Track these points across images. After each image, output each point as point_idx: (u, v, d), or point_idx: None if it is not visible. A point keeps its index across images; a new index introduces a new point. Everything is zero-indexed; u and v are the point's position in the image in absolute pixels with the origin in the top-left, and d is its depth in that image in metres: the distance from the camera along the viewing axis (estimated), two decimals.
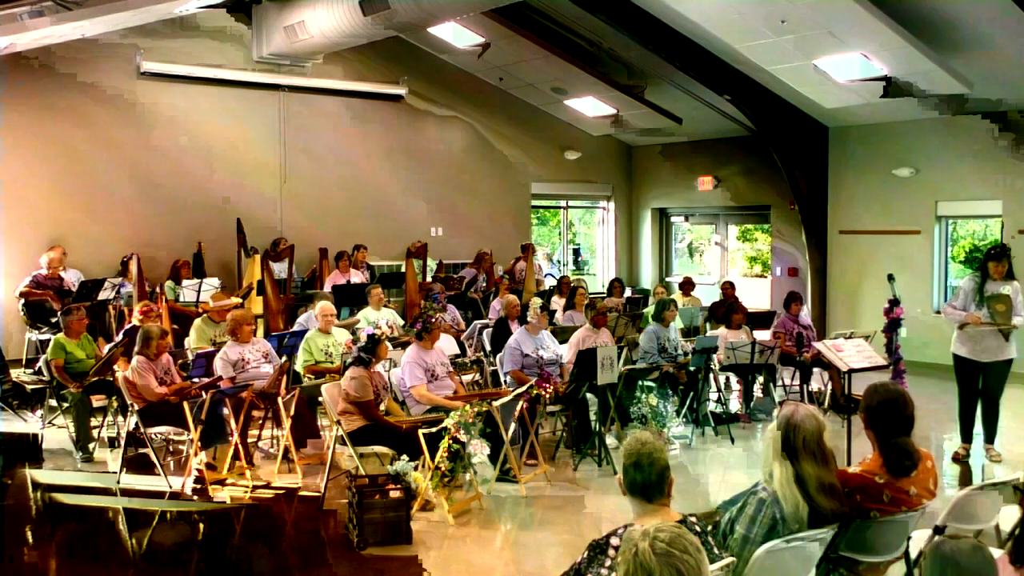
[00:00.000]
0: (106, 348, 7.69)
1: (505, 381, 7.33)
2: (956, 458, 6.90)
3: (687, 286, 11.23)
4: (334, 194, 12.72)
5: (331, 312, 7.87)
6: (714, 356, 8.16)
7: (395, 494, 5.17)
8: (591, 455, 6.85)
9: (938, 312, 11.22)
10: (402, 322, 9.15)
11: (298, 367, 7.49)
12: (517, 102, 14.36)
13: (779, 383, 8.97)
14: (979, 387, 6.80)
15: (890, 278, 7.99)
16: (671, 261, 16.10)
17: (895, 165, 11.58)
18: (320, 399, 6.32)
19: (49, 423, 7.68)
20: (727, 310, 8.89)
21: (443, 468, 5.50)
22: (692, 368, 7.80)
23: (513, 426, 6.14)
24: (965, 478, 6.59)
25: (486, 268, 12.41)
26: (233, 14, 11.77)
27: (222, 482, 6.26)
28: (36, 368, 8.16)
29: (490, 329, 8.82)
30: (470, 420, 5.57)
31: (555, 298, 10.64)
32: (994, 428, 6.90)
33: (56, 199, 10.77)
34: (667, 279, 15.19)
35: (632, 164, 15.97)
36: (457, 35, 12.36)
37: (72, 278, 9.99)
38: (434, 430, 5.60)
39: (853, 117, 11.70)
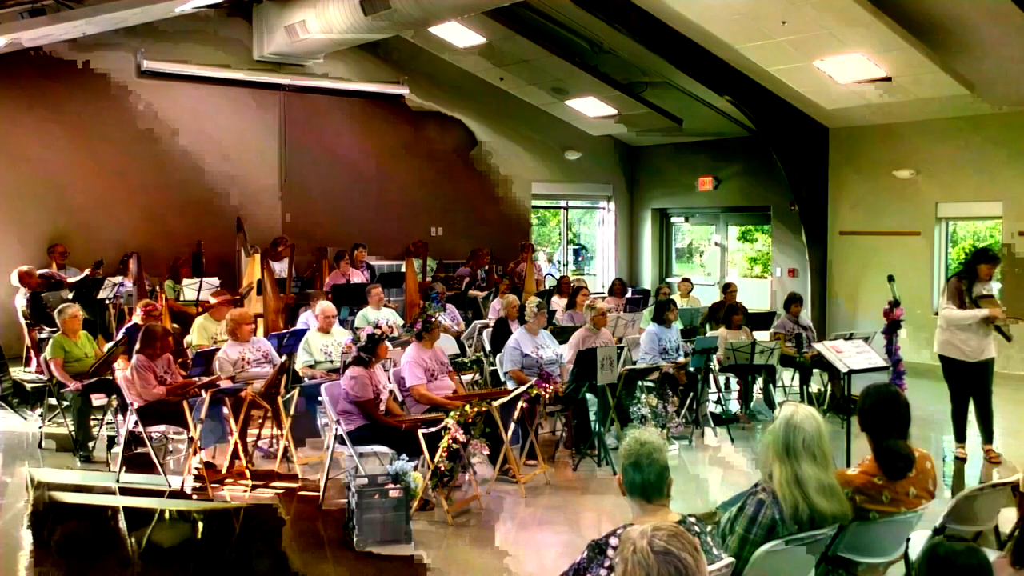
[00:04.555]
0: (106, 347, 7.68)
1: (505, 381, 7.33)
2: (961, 458, 6.91)
3: (685, 287, 11.22)
4: (334, 194, 12.72)
5: (332, 312, 7.87)
6: (714, 357, 8.17)
7: (395, 494, 5.17)
8: (591, 455, 6.85)
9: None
10: (402, 322, 9.15)
11: (298, 367, 7.48)
12: (517, 102, 14.37)
13: (779, 384, 8.97)
14: (968, 388, 6.82)
15: (890, 279, 7.99)
16: (671, 261, 16.10)
17: (895, 166, 11.58)
18: (320, 399, 6.32)
19: (49, 422, 7.68)
20: (727, 311, 8.89)
21: (443, 468, 5.50)
22: (692, 369, 7.80)
23: (513, 426, 6.14)
24: (964, 479, 6.59)
25: (482, 265, 12.40)
26: (234, 13, 11.78)
27: (221, 481, 6.26)
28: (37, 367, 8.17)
29: (490, 329, 8.81)
30: (470, 420, 5.57)
31: (555, 298, 10.63)
32: (991, 428, 6.91)
33: (57, 198, 10.78)
34: (667, 279, 15.19)
35: (632, 164, 15.97)
36: (457, 35, 12.37)
37: (72, 276, 10.00)
38: (434, 430, 5.60)
39: (853, 118, 11.71)
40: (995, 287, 6.71)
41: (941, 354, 6.84)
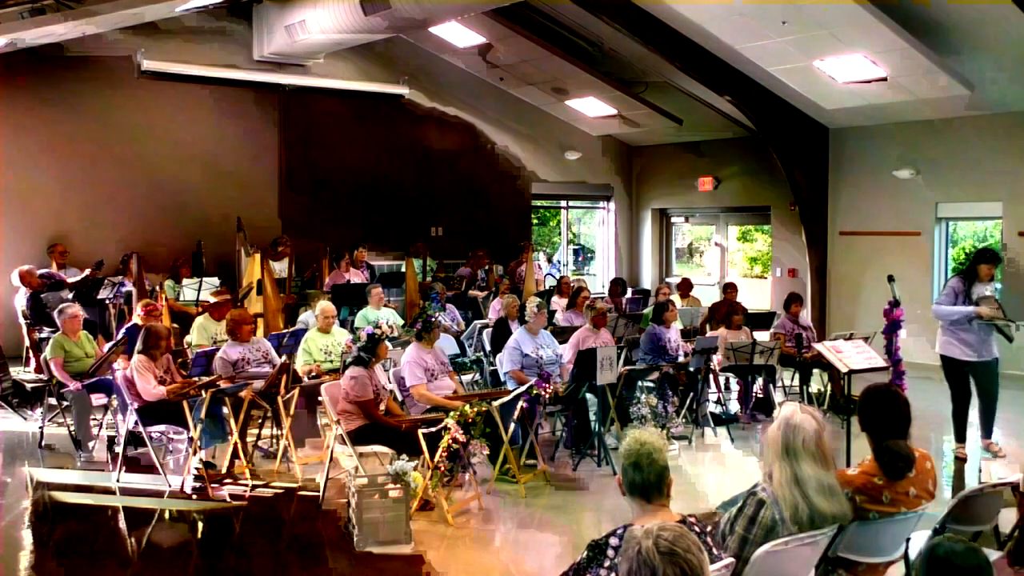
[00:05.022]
0: (106, 347, 7.69)
1: (505, 381, 7.33)
2: (961, 458, 6.92)
3: (685, 287, 11.20)
4: (334, 193, 12.73)
5: (332, 313, 7.87)
6: (714, 357, 8.17)
7: (395, 494, 5.17)
8: (590, 455, 6.85)
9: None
10: (402, 322, 9.15)
11: (298, 367, 7.47)
12: (517, 102, 14.37)
13: (779, 384, 8.97)
14: (970, 387, 6.83)
15: (890, 279, 7.99)
16: (671, 261, 16.09)
17: (895, 166, 11.58)
18: (320, 399, 6.31)
19: (49, 422, 7.68)
20: (727, 311, 8.89)
21: (442, 468, 5.50)
22: (692, 369, 7.80)
23: (513, 426, 6.14)
24: (965, 479, 6.59)
25: (482, 265, 12.42)
26: (234, 13, 11.78)
27: (221, 481, 6.26)
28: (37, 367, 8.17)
29: (490, 329, 8.82)
30: (470, 420, 5.57)
31: (555, 298, 10.63)
32: (991, 425, 6.94)
33: (56, 197, 10.78)
34: (667, 279, 15.18)
35: (632, 164, 15.97)
36: (458, 35, 12.37)
37: (72, 275, 10.00)
38: (434, 430, 5.60)
39: (854, 118, 11.71)
40: (991, 287, 6.70)
41: (942, 354, 6.86)
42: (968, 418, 6.93)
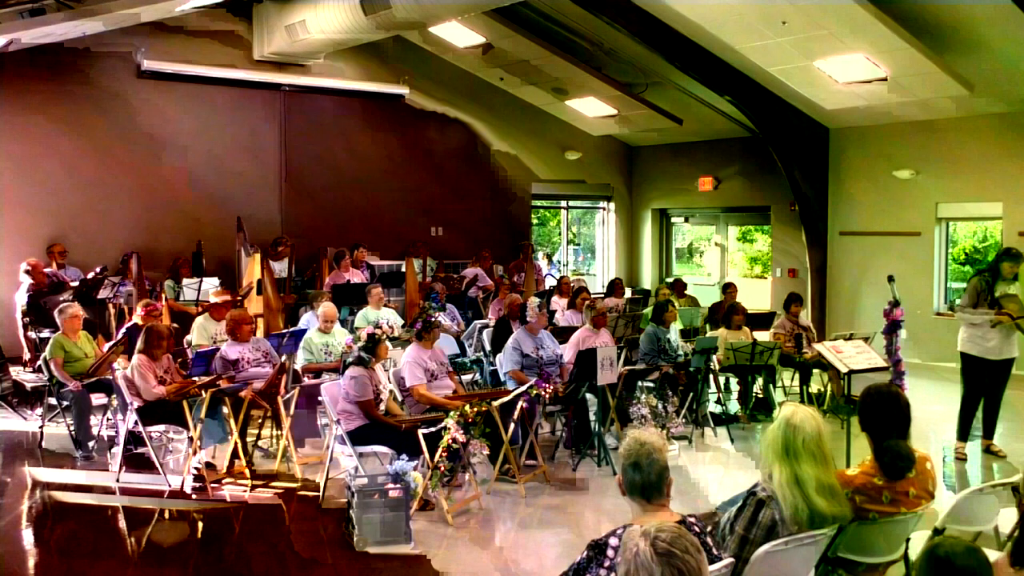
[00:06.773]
0: (106, 346, 7.68)
1: (505, 381, 7.33)
2: (961, 458, 6.93)
3: (679, 287, 11.15)
4: (334, 193, 12.72)
5: (333, 316, 7.87)
6: (714, 357, 8.17)
7: (394, 494, 5.17)
8: (590, 455, 6.85)
9: (939, 314, 11.23)
10: (402, 322, 9.15)
11: (298, 367, 7.47)
12: (517, 102, 14.37)
13: (779, 384, 8.97)
14: (984, 386, 6.84)
15: (890, 279, 8.00)
16: (671, 261, 16.09)
17: (895, 167, 11.58)
18: (320, 399, 6.32)
19: (49, 422, 7.67)
20: (727, 311, 8.89)
21: (442, 468, 5.50)
22: (692, 369, 7.80)
23: (513, 426, 6.14)
24: (964, 480, 6.59)
25: (484, 266, 12.42)
26: (234, 13, 11.78)
27: (221, 481, 6.26)
28: (36, 367, 8.16)
29: (490, 329, 8.82)
30: (470, 420, 5.57)
31: (555, 298, 10.63)
32: (994, 425, 6.95)
33: (56, 197, 10.77)
34: (667, 280, 15.17)
35: (632, 164, 15.97)
36: (457, 35, 12.37)
37: (72, 276, 10.00)
38: (434, 430, 5.60)
39: (854, 118, 11.71)
40: (1014, 286, 6.74)
41: (962, 351, 6.86)
42: (975, 417, 6.94)
